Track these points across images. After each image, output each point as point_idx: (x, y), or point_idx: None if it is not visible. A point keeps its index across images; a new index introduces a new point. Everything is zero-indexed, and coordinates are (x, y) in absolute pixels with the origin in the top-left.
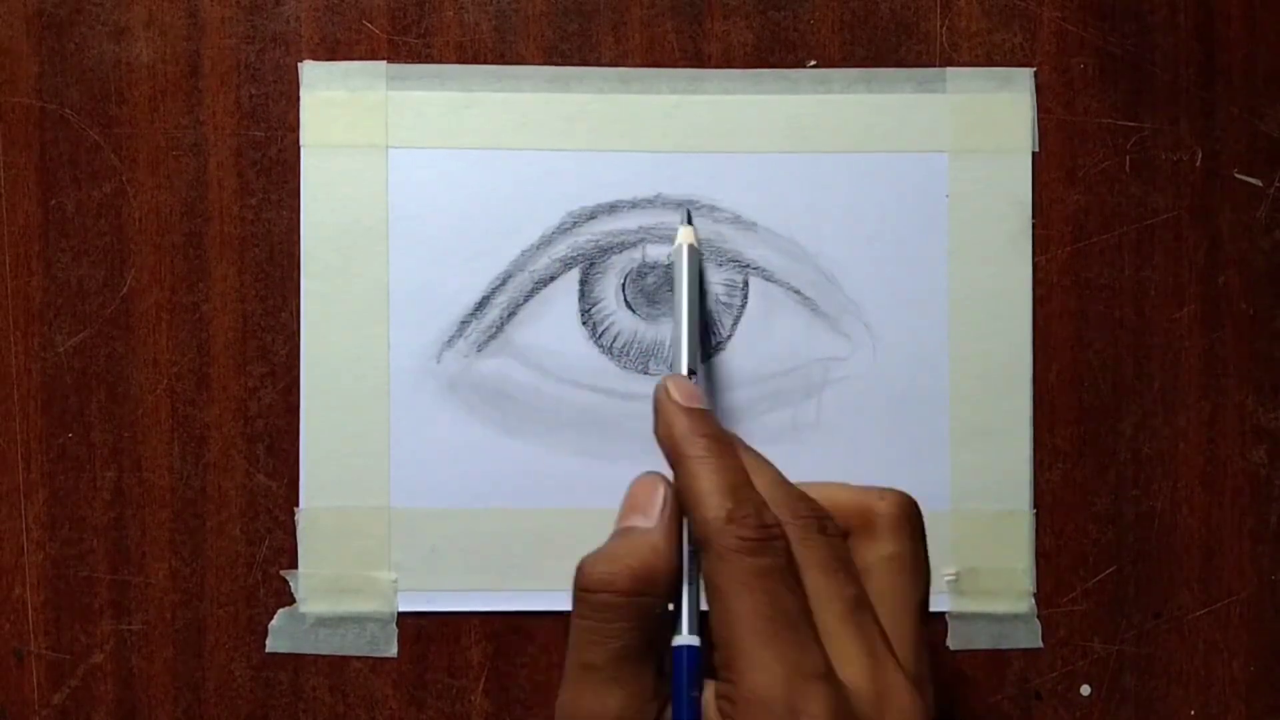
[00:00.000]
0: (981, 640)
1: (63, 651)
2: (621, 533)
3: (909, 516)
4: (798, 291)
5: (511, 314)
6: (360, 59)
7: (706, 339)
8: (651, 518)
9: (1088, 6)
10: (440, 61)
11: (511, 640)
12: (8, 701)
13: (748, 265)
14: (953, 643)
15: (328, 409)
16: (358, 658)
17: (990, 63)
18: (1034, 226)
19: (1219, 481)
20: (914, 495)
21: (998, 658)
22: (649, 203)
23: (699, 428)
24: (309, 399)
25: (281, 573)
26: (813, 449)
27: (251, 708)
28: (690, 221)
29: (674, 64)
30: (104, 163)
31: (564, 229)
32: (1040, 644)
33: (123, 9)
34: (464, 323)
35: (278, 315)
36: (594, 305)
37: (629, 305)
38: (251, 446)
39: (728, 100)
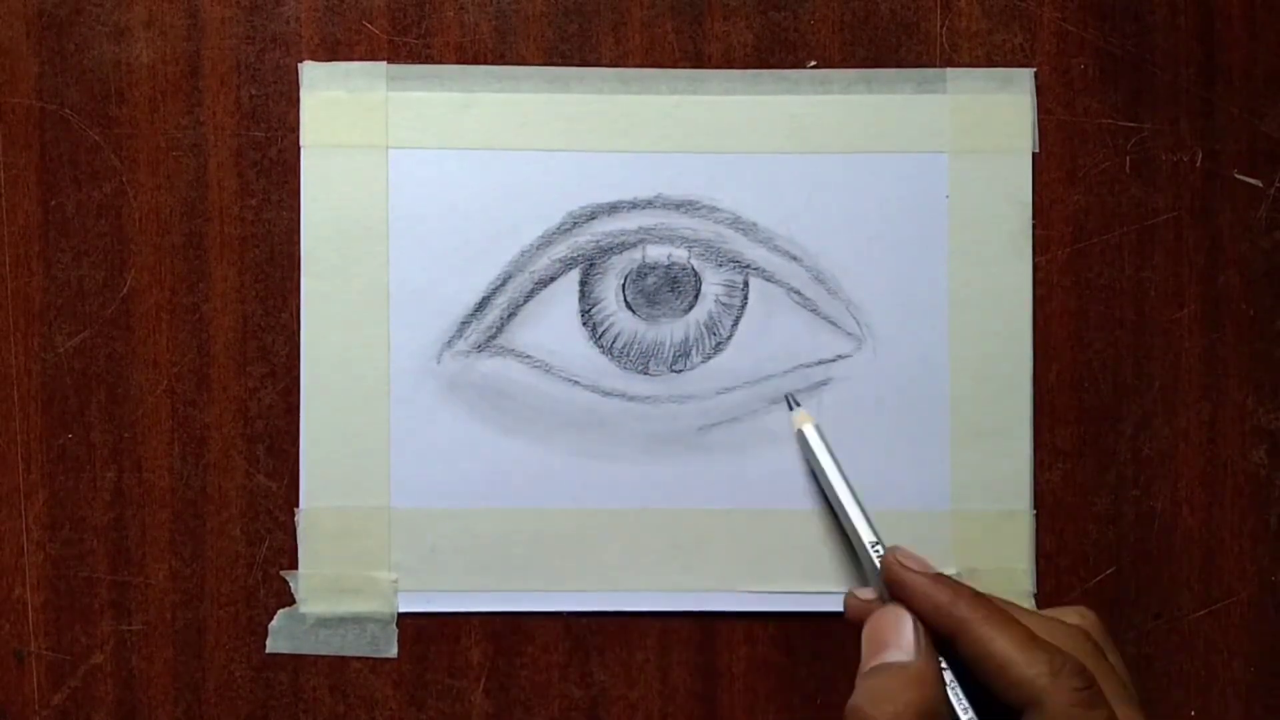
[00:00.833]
0: None
1: (63, 652)
2: (882, 669)
3: (1101, 625)
4: (798, 291)
5: (511, 314)
6: (360, 59)
7: (706, 340)
8: (908, 650)
9: (1088, 7)
10: (440, 62)
11: (512, 640)
12: (8, 702)
13: (748, 265)
14: None
15: (328, 409)
16: (358, 658)
17: (990, 63)
18: (1034, 227)
19: (1219, 482)
20: (914, 495)
21: None
22: (649, 203)
23: (961, 591)
24: (309, 399)
25: (281, 573)
26: None
27: (251, 708)
28: (796, 404)
29: (674, 64)
30: (104, 163)
31: (564, 229)
32: None
33: (123, 9)
34: (464, 323)
35: (278, 315)
36: (594, 306)
37: (629, 306)
38: (252, 447)
39: (728, 101)
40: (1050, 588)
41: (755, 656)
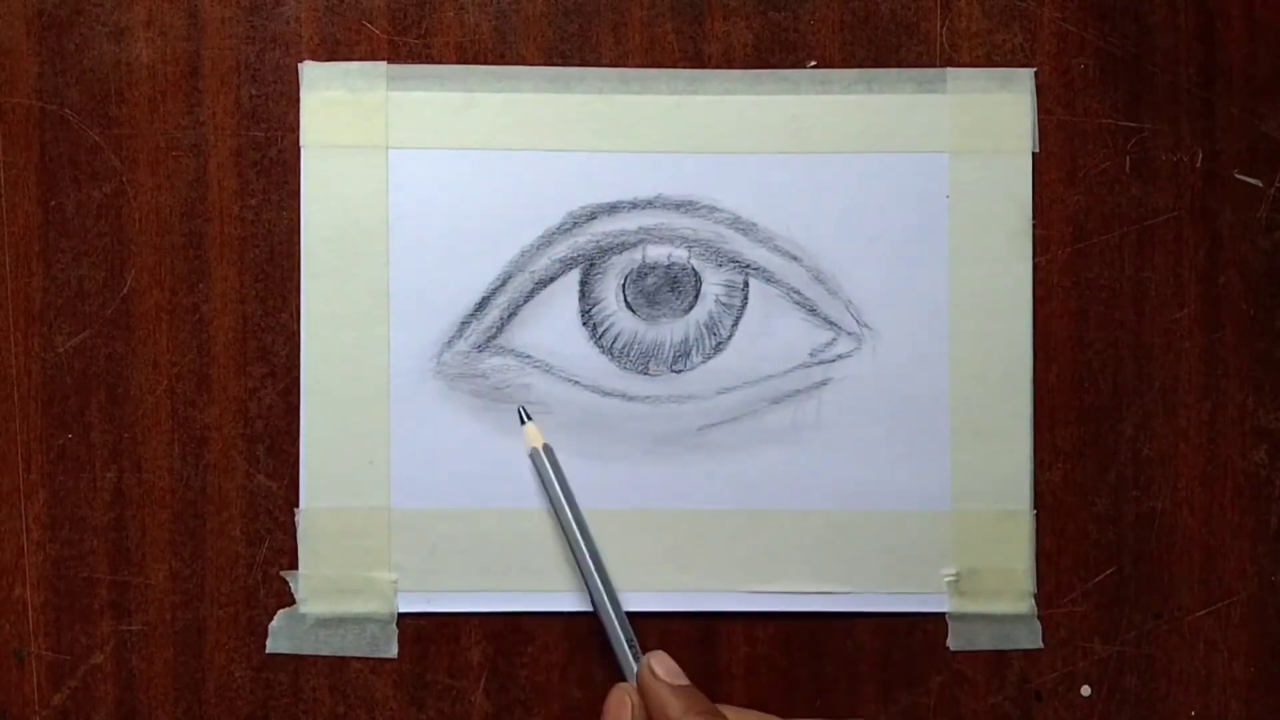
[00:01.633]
0: (982, 641)
1: (63, 652)
2: None
3: None
4: (798, 291)
5: (512, 314)
6: (360, 59)
7: (706, 340)
8: None
9: (1088, 7)
10: (440, 62)
11: (512, 641)
12: (8, 702)
13: (748, 266)
14: (953, 643)
15: (328, 410)
16: (358, 658)
17: (990, 63)
18: (1034, 227)
19: (1219, 482)
20: (914, 495)
21: (998, 658)
22: (649, 203)
23: (694, 705)
24: (309, 400)
25: (281, 573)
26: (813, 449)
27: (252, 708)
28: (528, 417)
29: (674, 64)
30: (104, 163)
31: (564, 229)
32: (1041, 644)
33: (123, 9)
34: (464, 323)
35: (278, 316)
36: (594, 306)
37: (629, 306)
38: (251, 447)
39: (728, 101)
40: (1050, 588)
41: (755, 656)
